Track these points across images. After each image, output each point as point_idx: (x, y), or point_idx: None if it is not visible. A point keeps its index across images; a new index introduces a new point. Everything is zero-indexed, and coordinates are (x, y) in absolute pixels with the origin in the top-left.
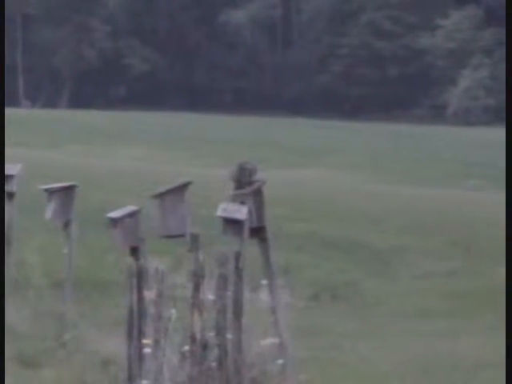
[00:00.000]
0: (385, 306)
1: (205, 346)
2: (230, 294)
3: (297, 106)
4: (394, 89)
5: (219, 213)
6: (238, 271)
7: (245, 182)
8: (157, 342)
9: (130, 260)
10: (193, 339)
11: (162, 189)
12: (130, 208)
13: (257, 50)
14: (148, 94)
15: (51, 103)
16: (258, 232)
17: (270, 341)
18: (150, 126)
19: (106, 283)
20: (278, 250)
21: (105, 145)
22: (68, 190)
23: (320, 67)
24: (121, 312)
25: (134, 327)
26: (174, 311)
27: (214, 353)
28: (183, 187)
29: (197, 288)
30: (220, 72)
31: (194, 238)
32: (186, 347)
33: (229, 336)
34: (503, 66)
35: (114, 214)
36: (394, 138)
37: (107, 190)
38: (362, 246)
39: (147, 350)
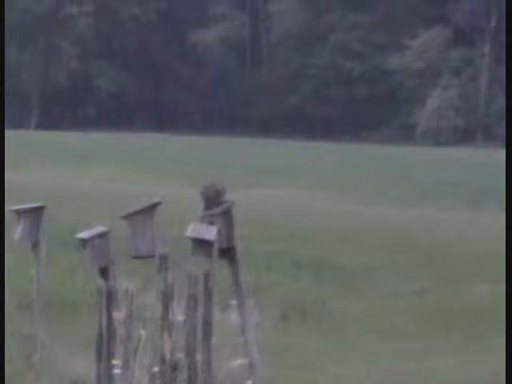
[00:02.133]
0: (354, 325)
1: (174, 367)
2: (199, 314)
3: (266, 127)
4: (362, 109)
5: (188, 233)
6: (208, 292)
7: (214, 202)
8: (126, 363)
9: (99, 281)
10: (162, 360)
11: (132, 209)
12: (100, 228)
13: (226, 71)
14: (117, 115)
15: (20, 124)
16: (228, 252)
17: (239, 361)
18: (119, 147)
19: (74, 304)
20: (248, 270)
21: (74, 165)
22: (36, 211)
23: (289, 87)
24: (90, 333)
25: (104, 348)
26: (143, 332)
27: (184, 373)
28: (152, 207)
29: (166, 308)
30: (189, 92)
31: (163, 259)
32: (156, 368)
33: (198, 357)
34: (472, 85)
35: (83, 235)
36: (363, 158)
37: (76, 210)
38: (330, 266)
39: (117, 371)
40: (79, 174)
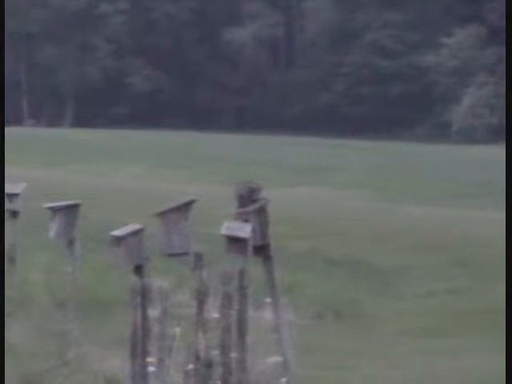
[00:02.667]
0: (388, 325)
1: (209, 365)
2: (234, 312)
3: (299, 125)
4: (396, 107)
5: (223, 231)
6: (242, 289)
7: (248, 200)
8: (161, 361)
9: (134, 278)
10: (197, 357)
11: (166, 207)
12: (134, 226)
13: (259, 69)
14: (150, 113)
15: (55, 121)
16: (262, 250)
17: (273, 359)
18: (153, 145)
19: (109, 301)
20: (282, 268)
21: (107, 163)
22: (71, 209)
23: (322, 86)
24: (124, 330)
25: (138, 345)
26: (177, 329)
27: (218, 371)
28: (187, 205)
29: (201, 306)
30: (222, 90)
31: (198, 257)
32: (190, 366)
33: (233, 354)
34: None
35: (117, 233)
36: (397, 156)
37: (110, 208)
38: (364, 265)
39: (151, 369)
40: (113, 171)
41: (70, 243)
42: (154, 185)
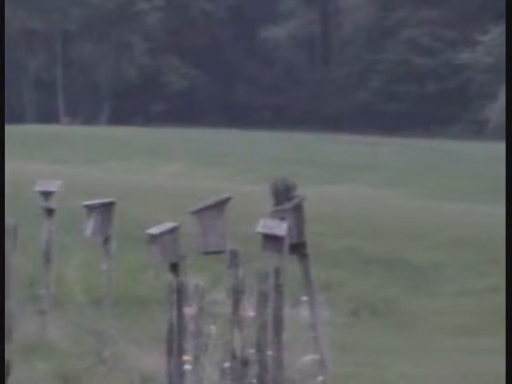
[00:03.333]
0: (424, 322)
1: (245, 363)
2: (270, 310)
3: (336, 122)
4: (433, 104)
5: (259, 229)
6: (278, 287)
7: (284, 197)
8: (197, 359)
9: (169, 276)
10: (233, 356)
11: (201, 205)
12: (169, 224)
13: (296, 66)
14: (187, 111)
15: (91, 119)
16: (298, 248)
17: (310, 357)
18: (189, 142)
19: (144, 300)
20: (318, 266)
21: (144, 161)
22: (107, 207)
23: (359, 83)
24: (160, 328)
25: (174, 344)
26: (213, 327)
27: (255, 369)
28: (223, 203)
29: (236, 304)
30: (259, 88)
31: (234, 255)
32: (227, 364)
33: (269, 352)
34: None
35: (153, 231)
36: (434, 153)
37: (146, 206)
38: (400, 262)
39: (187, 367)
40: (149, 169)
41: (106, 241)
42: (191, 183)
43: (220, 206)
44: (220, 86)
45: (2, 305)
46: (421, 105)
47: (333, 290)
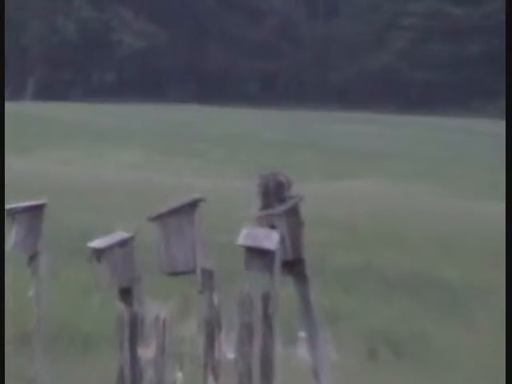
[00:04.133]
0: (465, 365)
1: None
2: (256, 350)
3: (344, 96)
4: (474, 72)
5: (241, 240)
6: (268, 319)
7: (276, 198)
8: None
9: (120, 305)
10: None
11: (164, 208)
12: (121, 234)
13: (291, 22)
14: (144, 81)
15: (16, 93)
16: (294, 266)
17: None
18: (148, 124)
19: (88, 336)
20: (322, 290)
21: (87, 148)
22: (35, 211)
23: (376, 43)
24: (108, 374)
25: None
26: (180, 374)
27: None
28: (192, 206)
29: (211, 342)
30: (241, 51)
31: (208, 275)
32: None
33: None
34: None
35: (98, 243)
36: (473, 137)
37: (90, 209)
38: (432, 284)
39: None
40: (94, 159)
41: (34, 258)
42: (151, 177)
43: (189, 209)
44: (188, 48)
45: (2, 304)
46: (459, 72)
47: (342, 323)
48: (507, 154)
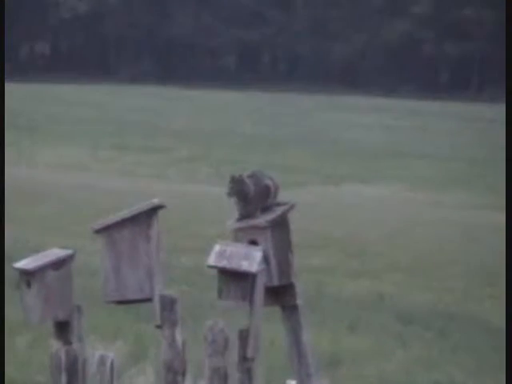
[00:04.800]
0: None
1: None
2: None
3: (348, 76)
4: None
5: (212, 260)
6: (246, 364)
7: (257, 205)
8: None
9: (55, 344)
10: None
11: (111, 218)
12: (56, 252)
13: None
14: (88, 55)
15: None
16: (282, 295)
17: None
18: (93, 111)
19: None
20: (317, 327)
21: (13, 144)
22: None
23: (391, 7)
24: None
25: None
26: None
27: None
28: (149, 214)
29: None
30: (215, 16)
31: (168, 305)
32: None
33: None
34: None
35: (26, 264)
36: None
37: (17, 219)
38: (463, 320)
39: None
40: (22, 158)
41: None
42: (95, 179)
43: (145, 219)
44: (144, 12)
45: (3, 304)
46: (500, 45)
47: (343, 369)
48: (507, 152)
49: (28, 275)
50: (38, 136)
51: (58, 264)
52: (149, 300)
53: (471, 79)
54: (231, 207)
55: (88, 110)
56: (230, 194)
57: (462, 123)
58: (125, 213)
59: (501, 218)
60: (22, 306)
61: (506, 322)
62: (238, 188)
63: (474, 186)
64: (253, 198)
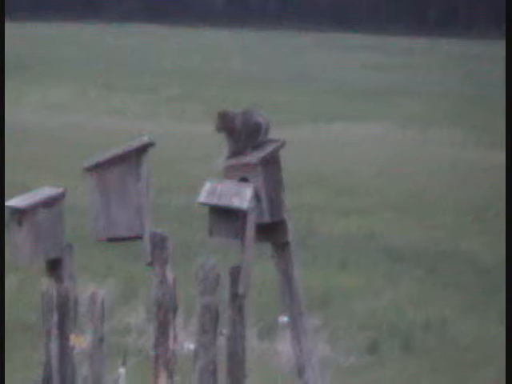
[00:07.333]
0: (473, 351)
1: None
2: (222, 340)
3: (340, 13)
4: None
5: (203, 198)
6: (237, 301)
7: (248, 142)
8: None
9: (46, 282)
10: None
11: (102, 156)
12: (48, 191)
13: None
14: None
15: None
16: (273, 232)
17: None
18: (80, 51)
19: (6, 323)
20: (308, 265)
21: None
22: None
23: None
24: (31, 370)
25: None
26: (123, 370)
27: None
28: (138, 153)
29: (164, 330)
30: None
31: (159, 243)
32: None
33: None
34: None
35: (17, 202)
36: None
37: (10, 159)
38: (452, 258)
39: None
40: (14, 98)
41: None
42: (86, 118)
43: (135, 157)
44: None
45: (2, 302)
46: None
47: (334, 307)
48: (507, 153)
49: (20, 213)
50: (25, 76)
51: (50, 202)
52: (139, 238)
53: (459, 16)
54: (222, 144)
55: (76, 49)
56: (217, 130)
57: (450, 61)
58: (115, 150)
59: (489, 154)
60: (11, 246)
61: (506, 322)
62: (225, 123)
63: (462, 123)
64: (242, 135)
